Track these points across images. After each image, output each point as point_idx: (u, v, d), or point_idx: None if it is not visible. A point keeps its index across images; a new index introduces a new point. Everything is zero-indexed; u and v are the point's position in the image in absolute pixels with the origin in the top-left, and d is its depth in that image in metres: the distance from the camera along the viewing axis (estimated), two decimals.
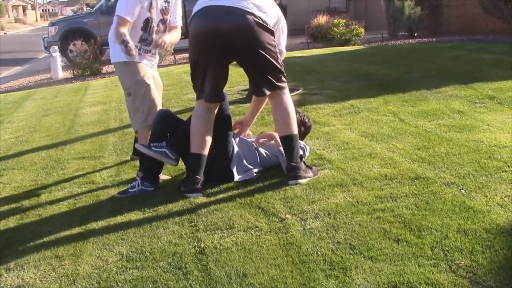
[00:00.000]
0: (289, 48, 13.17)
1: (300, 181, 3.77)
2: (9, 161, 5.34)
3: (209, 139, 3.87)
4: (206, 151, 3.86)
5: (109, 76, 12.25)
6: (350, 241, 2.87)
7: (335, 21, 14.08)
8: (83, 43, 14.11)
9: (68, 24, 15.94)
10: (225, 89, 7.40)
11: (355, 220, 3.10)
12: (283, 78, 3.86)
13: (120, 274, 2.81)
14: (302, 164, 3.87)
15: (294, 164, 3.80)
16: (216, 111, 3.92)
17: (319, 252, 2.79)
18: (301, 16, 16.80)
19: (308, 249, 2.83)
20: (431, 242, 2.76)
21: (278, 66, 3.79)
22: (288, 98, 3.88)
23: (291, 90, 7.14)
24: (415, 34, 14.20)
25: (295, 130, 3.86)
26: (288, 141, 3.84)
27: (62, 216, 3.73)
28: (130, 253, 3.03)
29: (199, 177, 3.82)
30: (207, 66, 3.72)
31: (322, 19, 14.80)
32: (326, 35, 14.01)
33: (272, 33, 3.73)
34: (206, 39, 3.64)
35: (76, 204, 3.92)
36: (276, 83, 3.80)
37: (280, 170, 4.06)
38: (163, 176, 4.25)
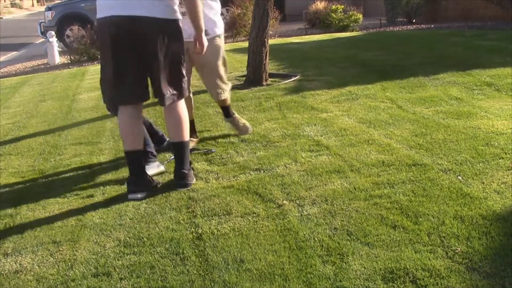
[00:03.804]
0: (287, 34, 13.15)
1: (188, 188, 3.70)
2: (6, 147, 5.33)
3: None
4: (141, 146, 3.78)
5: None
6: (347, 227, 2.88)
7: (333, 7, 14.02)
8: (80, 28, 14.02)
9: (65, 9, 15.83)
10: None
11: (352, 207, 3.11)
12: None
13: (118, 260, 2.82)
14: (191, 170, 3.82)
15: (185, 171, 3.74)
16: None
17: (316, 238, 2.80)
18: (300, 2, 16.72)
19: (305, 235, 2.84)
20: (427, 228, 2.77)
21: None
22: (182, 103, 3.76)
23: (289, 76, 7.13)
24: (414, 21, 14.15)
25: (187, 137, 3.77)
26: (179, 147, 3.76)
27: (59, 201, 3.72)
28: (128, 238, 3.03)
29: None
30: None
31: (320, 5, 14.74)
32: (324, 21, 13.96)
33: None
34: None
35: (74, 190, 3.91)
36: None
37: (279, 156, 4.07)
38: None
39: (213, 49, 4.27)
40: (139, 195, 3.60)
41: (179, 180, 3.74)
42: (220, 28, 4.51)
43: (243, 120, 4.85)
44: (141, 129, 3.84)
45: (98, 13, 3.59)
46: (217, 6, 4.51)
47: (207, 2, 4.31)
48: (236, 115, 4.84)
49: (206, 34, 3.95)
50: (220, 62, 4.50)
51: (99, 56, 3.58)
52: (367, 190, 3.32)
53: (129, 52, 3.51)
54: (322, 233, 2.85)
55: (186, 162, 3.77)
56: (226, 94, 4.65)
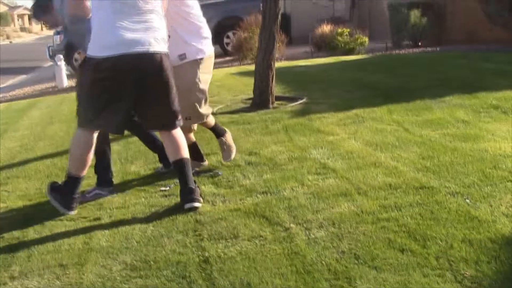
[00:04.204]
0: (293, 57, 13.22)
1: (196, 204, 3.70)
2: (13, 169, 5.35)
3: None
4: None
5: None
6: (354, 250, 2.86)
7: (339, 30, 14.09)
8: None
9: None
10: (230, 98, 7.44)
11: (360, 230, 3.10)
12: None
13: (124, 283, 2.81)
14: (197, 188, 3.83)
15: (192, 187, 3.75)
16: None
17: (323, 262, 2.78)
18: (305, 25, 16.82)
19: (313, 259, 2.82)
20: (436, 252, 2.75)
21: None
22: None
23: (295, 99, 7.15)
24: (419, 44, 14.20)
25: (187, 154, 3.82)
26: (181, 165, 3.79)
27: (66, 224, 3.73)
28: (134, 262, 3.02)
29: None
30: None
31: (326, 28, 14.82)
32: (330, 44, 14.03)
33: None
34: None
35: (81, 213, 3.92)
36: None
37: (285, 179, 4.07)
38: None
39: (187, 73, 4.19)
40: None
41: (187, 195, 3.74)
42: (194, 53, 4.22)
43: (230, 145, 4.66)
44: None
45: (101, 50, 3.58)
46: (195, 29, 4.27)
47: (185, 24, 4.18)
48: (226, 138, 4.66)
49: (183, 58, 4.12)
50: (196, 87, 4.28)
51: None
52: (374, 213, 3.30)
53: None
54: (329, 256, 2.83)
55: (191, 179, 3.78)
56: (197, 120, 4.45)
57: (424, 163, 4.14)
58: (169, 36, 3.89)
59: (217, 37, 15.74)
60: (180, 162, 3.79)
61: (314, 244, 2.99)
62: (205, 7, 17.45)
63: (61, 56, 13.61)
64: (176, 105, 3.80)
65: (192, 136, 4.56)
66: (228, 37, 15.60)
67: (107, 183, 4.34)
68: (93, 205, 4.04)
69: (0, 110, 10.32)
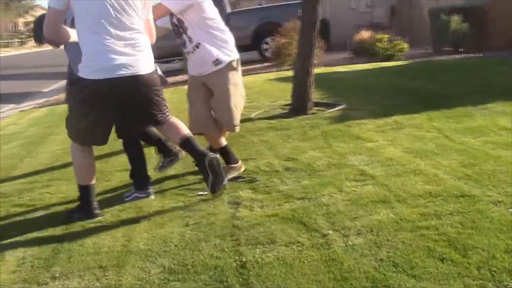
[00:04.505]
0: (331, 63, 13.17)
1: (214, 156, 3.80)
2: (55, 172, 5.46)
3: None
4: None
5: None
6: (393, 258, 2.83)
7: (378, 36, 13.98)
8: None
9: None
10: (268, 104, 7.45)
11: (399, 238, 3.06)
12: None
13: (162, 286, 2.83)
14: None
15: (208, 153, 3.80)
16: None
17: (361, 269, 2.75)
18: (344, 31, 16.74)
19: (350, 266, 2.80)
20: (477, 262, 2.70)
21: None
22: None
23: (334, 105, 7.12)
24: (461, 50, 13.98)
25: (188, 131, 3.91)
26: (187, 142, 3.85)
27: (106, 227, 3.78)
28: (172, 265, 3.05)
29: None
30: None
31: (365, 34, 14.72)
32: (369, 50, 13.93)
33: None
34: None
35: (120, 215, 3.97)
36: None
37: (323, 185, 4.06)
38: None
39: (225, 77, 4.30)
40: None
41: (209, 158, 3.75)
42: (227, 57, 4.31)
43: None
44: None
45: (90, 73, 3.63)
46: (221, 36, 4.34)
47: (210, 34, 4.28)
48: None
49: (217, 63, 4.24)
50: (233, 91, 4.36)
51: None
52: (413, 221, 3.26)
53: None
54: (367, 264, 2.80)
55: (200, 149, 3.83)
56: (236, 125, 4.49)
57: (465, 171, 4.07)
58: (197, 47, 4.22)
59: (255, 43, 15.82)
60: (186, 140, 3.84)
61: (352, 251, 2.96)
62: (243, 13, 17.68)
63: None
64: (164, 106, 3.90)
65: (223, 140, 4.60)
66: (266, 43, 15.62)
67: (144, 186, 4.38)
68: (132, 209, 4.09)
69: (43, 114, 10.56)
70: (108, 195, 4.51)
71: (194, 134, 4.05)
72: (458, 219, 3.21)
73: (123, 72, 3.60)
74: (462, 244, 2.89)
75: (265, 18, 15.92)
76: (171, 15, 4.30)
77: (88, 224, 3.86)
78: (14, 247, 3.61)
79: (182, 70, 13.90)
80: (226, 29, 4.41)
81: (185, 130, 3.90)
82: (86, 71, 3.64)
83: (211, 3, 4.35)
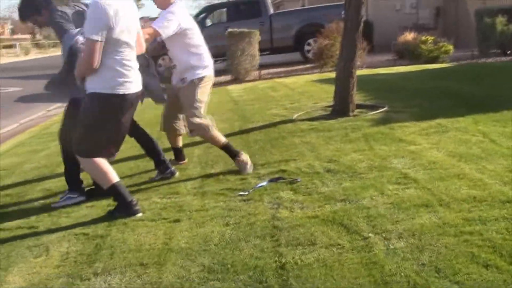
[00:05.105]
0: (374, 65, 13.05)
1: None
2: None
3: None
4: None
5: None
6: (435, 263, 2.78)
7: (423, 38, 13.78)
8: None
9: (157, 39, 16.41)
10: (310, 105, 7.43)
11: (441, 242, 3.01)
12: None
13: (202, 285, 2.85)
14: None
15: None
16: None
17: (402, 273, 2.72)
18: (388, 33, 16.57)
19: (391, 270, 2.76)
20: None
21: None
22: None
23: (376, 107, 7.05)
24: (508, 52, 13.66)
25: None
26: None
27: (147, 224, 3.83)
28: (212, 264, 3.06)
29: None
30: None
31: (409, 36, 14.54)
32: (413, 52, 13.74)
33: None
34: None
35: (161, 214, 4.02)
36: None
37: (365, 188, 4.02)
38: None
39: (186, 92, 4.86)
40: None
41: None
42: (195, 74, 4.87)
43: (245, 162, 4.92)
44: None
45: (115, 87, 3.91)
46: (194, 52, 4.93)
47: (186, 53, 4.91)
48: (243, 157, 4.93)
49: (184, 82, 4.86)
50: (195, 104, 4.84)
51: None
52: (457, 226, 3.19)
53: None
54: (409, 268, 2.77)
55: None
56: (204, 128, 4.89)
57: None
58: (175, 66, 5.05)
59: (298, 44, 15.79)
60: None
61: (393, 255, 2.93)
62: (286, 15, 17.70)
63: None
64: None
65: (179, 141, 5.43)
66: (309, 44, 15.58)
67: (78, 188, 4.69)
68: (173, 207, 4.13)
69: None
70: (150, 193, 4.57)
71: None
72: (504, 225, 3.14)
73: (137, 88, 4.08)
74: (507, 250, 2.82)
75: (308, 19, 15.88)
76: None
77: (130, 221, 3.91)
78: (58, 242, 3.70)
79: (225, 71, 13.99)
80: (202, 43, 4.99)
81: None
82: (106, 87, 3.91)
83: (191, 20, 5.01)
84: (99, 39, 3.75)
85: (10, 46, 51.90)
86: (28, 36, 58.98)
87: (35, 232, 3.96)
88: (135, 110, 4.19)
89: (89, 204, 4.46)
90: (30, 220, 4.25)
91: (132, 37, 3.97)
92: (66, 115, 4.64)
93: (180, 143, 5.45)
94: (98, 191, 4.53)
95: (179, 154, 5.46)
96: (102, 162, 4.07)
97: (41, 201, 4.75)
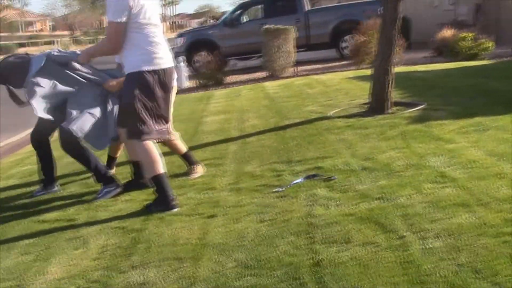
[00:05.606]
0: (411, 62, 12.88)
1: None
2: None
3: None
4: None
5: (232, 86, 12.58)
6: (473, 264, 2.73)
7: (462, 34, 13.53)
8: (208, 54, 14.56)
9: (194, 36, 16.54)
10: (346, 102, 7.37)
11: (480, 243, 2.95)
12: None
13: (237, 280, 2.86)
14: None
15: None
16: None
17: (439, 273, 2.68)
18: (426, 30, 16.30)
19: (428, 269, 2.73)
20: None
21: None
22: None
23: (414, 105, 6.96)
24: None
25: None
26: None
27: (183, 219, 3.87)
28: (247, 260, 3.08)
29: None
30: None
31: (447, 32, 14.30)
32: (452, 49, 13.52)
33: None
34: None
35: (197, 209, 4.05)
36: None
37: (402, 186, 3.98)
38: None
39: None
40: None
41: None
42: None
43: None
44: None
45: (146, 64, 4.07)
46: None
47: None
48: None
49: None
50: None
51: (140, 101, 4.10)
52: (496, 227, 3.13)
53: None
54: (446, 268, 2.73)
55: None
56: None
57: None
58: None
59: (334, 41, 15.69)
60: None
61: (430, 255, 2.89)
62: (322, 11, 17.62)
63: (182, 58, 14.12)
64: None
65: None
66: (345, 41, 15.46)
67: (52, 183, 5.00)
68: (208, 203, 4.16)
69: None
70: (186, 189, 4.60)
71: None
72: None
73: (171, 63, 4.33)
74: None
75: (344, 15, 15.75)
76: None
77: (166, 216, 3.95)
78: (96, 235, 3.77)
79: (261, 67, 14.00)
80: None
81: None
82: (146, 63, 4.08)
83: None
84: (121, 21, 3.96)
85: (50, 43, 53.11)
86: (67, 32, 60.17)
87: (74, 225, 4.04)
88: (172, 89, 4.38)
89: (126, 198, 4.52)
90: (69, 213, 4.34)
91: (155, 15, 4.14)
92: None
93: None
94: (134, 185, 4.60)
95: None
96: (154, 150, 4.17)
97: (79, 194, 4.83)
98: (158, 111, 4.19)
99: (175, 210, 4.07)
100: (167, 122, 4.35)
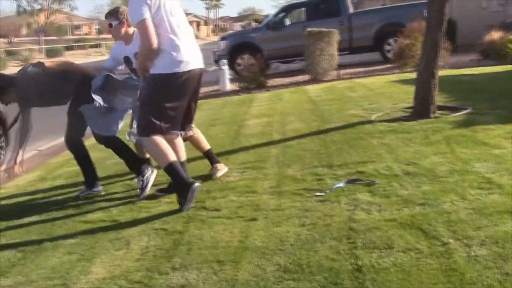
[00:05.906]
0: (457, 66, 12.65)
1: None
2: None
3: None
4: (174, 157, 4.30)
5: (274, 89, 12.59)
6: None
7: (511, 37, 13.22)
8: (250, 57, 14.60)
9: (237, 39, 16.63)
10: (389, 106, 7.29)
11: None
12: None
13: (277, 284, 2.86)
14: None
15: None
16: None
17: (484, 282, 2.62)
18: (472, 32, 15.99)
19: (472, 278, 2.68)
20: None
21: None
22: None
23: (459, 109, 6.84)
24: None
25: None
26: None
27: (224, 222, 3.89)
28: (288, 264, 3.07)
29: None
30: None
31: (495, 34, 13.99)
32: (500, 52, 13.22)
33: None
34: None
35: (238, 212, 4.06)
36: None
37: (445, 192, 3.91)
38: None
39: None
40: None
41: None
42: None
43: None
44: None
45: (169, 67, 4.17)
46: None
47: None
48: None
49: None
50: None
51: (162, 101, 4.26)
52: None
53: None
54: (491, 277, 2.67)
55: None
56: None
57: None
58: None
59: (378, 44, 15.55)
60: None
61: (475, 263, 2.83)
62: (365, 14, 17.50)
63: (225, 61, 14.21)
64: None
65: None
66: (389, 44, 15.30)
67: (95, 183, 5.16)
68: (249, 206, 4.17)
69: None
70: (227, 191, 4.63)
71: None
72: None
73: (198, 65, 4.45)
74: None
75: (388, 18, 15.60)
76: None
77: (207, 218, 3.99)
78: (138, 236, 3.82)
79: (303, 70, 13.97)
80: None
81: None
82: (170, 66, 4.19)
83: None
84: (145, 17, 4.04)
85: (96, 46, 54.19)
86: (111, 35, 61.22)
87: (117, 226, 4.11)
88: (197, 90, 4.55)
89: (168, 200, 4.57)
90: (112, 214, 4.42)
91: (178, 16, 4.24)
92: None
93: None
94: (171, 190, 4.65)
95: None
96: (162, 141, 4.26)
97: (122, 196, 4.92)
98: (173, 113, 4.30)
99: (197, 184, 4.21)
100: (189, 121, 4.58)
